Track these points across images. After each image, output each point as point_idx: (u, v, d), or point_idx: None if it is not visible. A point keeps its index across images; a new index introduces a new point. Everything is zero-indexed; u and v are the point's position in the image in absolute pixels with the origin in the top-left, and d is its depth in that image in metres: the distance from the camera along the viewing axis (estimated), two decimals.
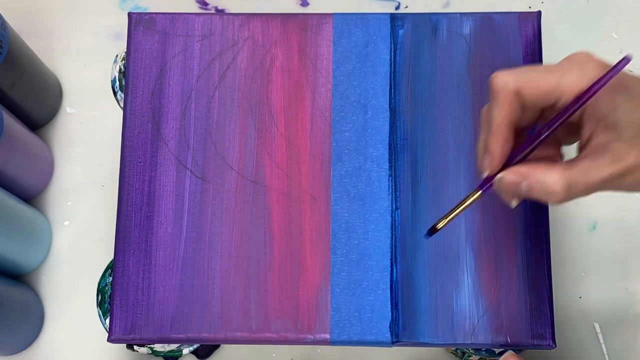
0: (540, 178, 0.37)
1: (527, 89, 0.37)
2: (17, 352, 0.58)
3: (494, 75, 0.38)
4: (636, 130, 0.37)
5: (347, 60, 0.49)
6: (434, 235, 0.42)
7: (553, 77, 0.37)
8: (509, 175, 0.39)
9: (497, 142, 0.38)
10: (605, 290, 0.58)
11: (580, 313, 0.58)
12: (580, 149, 0.39)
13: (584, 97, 0.36)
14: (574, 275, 0.58)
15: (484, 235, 0.47)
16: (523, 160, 0.39)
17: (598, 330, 0.57)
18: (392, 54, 0.49)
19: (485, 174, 0.40)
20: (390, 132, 0.48)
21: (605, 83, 0.36)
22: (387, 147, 0.48)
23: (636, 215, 0.59)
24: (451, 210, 0.41)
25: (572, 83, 0.37)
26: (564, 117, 0.37)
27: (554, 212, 0.59)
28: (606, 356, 0.57)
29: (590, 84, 0.36)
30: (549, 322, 0.46)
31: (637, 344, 0.57)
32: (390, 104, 0.49)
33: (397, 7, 0.64)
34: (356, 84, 0.49)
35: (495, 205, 0.47)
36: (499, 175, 0.39)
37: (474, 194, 0.40)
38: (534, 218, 0.47)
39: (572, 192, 0.37)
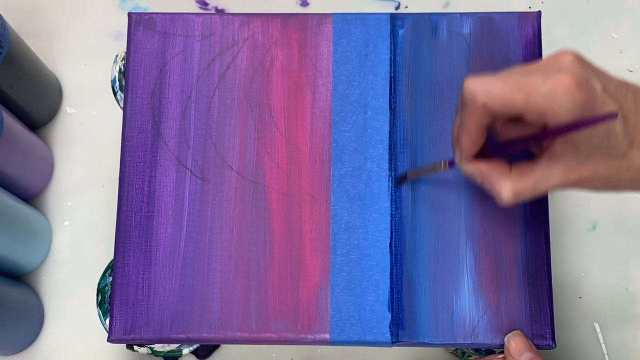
0: (492, 183, 0.41)
1: (494, 104, 0.38)
2: (17, 352, 0.58)
3: (465, 81, 0.39)
4: (592, 149, 0.39)
5: (347, 60, 0.49)
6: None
7: (519, 96, 0.38)
8: (469, 167, 0.42)
9: (467, 140, 0.41)
10: (605, 290, 0.58)
11: (580, 313, 0.58)
12: (541, 147, 0.41)
13: (553, 133, 0.38)
14: (574, 275, 0.58)
15: (484, 236, 0.47)
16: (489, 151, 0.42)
17: (598, 330, 0.57)
18: (392, 54, 0.49)
19: (456, 161, 0.43)
20: (390, 132, 0.48)
21: (580, 129, 0.37)
22: (387, 147, 0.48)
23: (636, 215, 0.59)
24: (424, 169, 0.46)
25: (537, 105, 0.37)
26: (525, 144, 0.40)
27: (554, 212, 0.59)
28: (606, 356, 0.57)
29: (556, 113, 0.37)
30: (549, 322, 0.46)
31: (637, 344, 0.57)
32: (390, 104, 0.49)
33: (397, 7, 0.64)
34: (356, 84, 0.49)
35: (495, 206, 0.47)
36: (462, 163, 0.43)
37: (445, 165, 0.45)
38: (534, 218, 0.47)
39: (519, 199, 0.41)
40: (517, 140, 0.40)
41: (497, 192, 0.41)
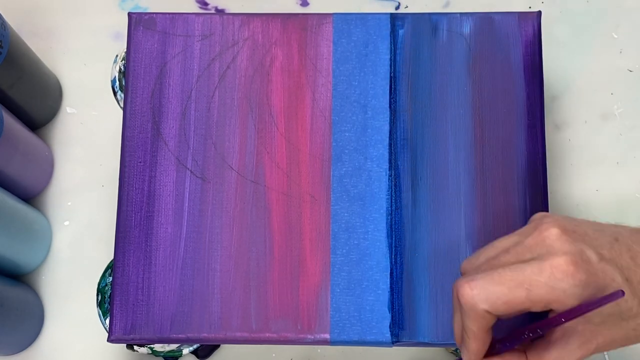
0: None
1: (496, 307, 0.37)
2: (17, 352, 0.58)
3: (459, 288, 0.37)
4: (604, 317, 0.37)
5: (347, 60, 0.49)
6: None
7: (521, 293, 0.36)
8: None
9: (475, 344, 0.39)
10: None
11: None
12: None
13: (559, 320, 0.36)
14: None
15: (484, 235, 0.47)
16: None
17: None
18: (392, 54, 0.49)
19: None
20: (390, 132, 0.48)
21: (588, 311, 0.35)
22: (387, 147, 0.48)
23: (636, 215, 0.59)
24: None
25: (541, 296, 0.36)
26: (535, 334, 0.38)
27: (554, 212, 0.59)
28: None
29: (561, 299, 0.36)
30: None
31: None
32: (390, 104, 0.49)
33: (397, 7, 0.64)
34: (356, 84, 0.49)
35: (495, 205, 0.47)
36: None
37: None
38: None
39: None
40: (526, 330, 0.38)
41: None
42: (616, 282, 0.37)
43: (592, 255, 0.37)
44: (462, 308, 0.38)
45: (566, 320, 0.36)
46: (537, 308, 0.37)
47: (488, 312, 0.37)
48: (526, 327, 0.38)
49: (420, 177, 0.48)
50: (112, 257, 0.49)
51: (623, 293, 0.34)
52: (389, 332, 0.46)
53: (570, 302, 0.36)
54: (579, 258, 0.36)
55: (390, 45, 0.50)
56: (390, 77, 0.49)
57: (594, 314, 0.37)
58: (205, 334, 0.46)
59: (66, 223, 0.60)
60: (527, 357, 0.39)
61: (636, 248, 0.38)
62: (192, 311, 0.46)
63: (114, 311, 0.46)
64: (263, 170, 0.48)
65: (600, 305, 0.35)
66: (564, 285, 0.35)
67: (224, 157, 0.48)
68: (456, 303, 0.39)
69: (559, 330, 0.38)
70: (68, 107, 0.63)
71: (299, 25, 0.50)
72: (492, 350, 0.40)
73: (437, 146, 0.48)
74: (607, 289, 0.36)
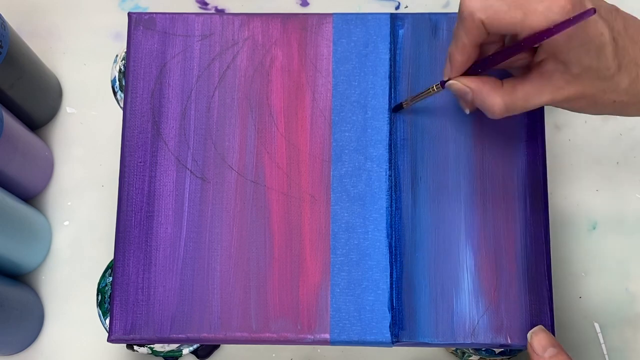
0: (483, 96, 0.42)
1: (492, 21, 0.39)
2: (17, 352, 0.58)
3: None
4: (582, 69, 0.40)
5: (347, 60, 0.49)
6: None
7: (518, 14, 0.38)
8: (458, 85, 0.43)
9: (460, 56, 0.42)
10: (605, 290, 0.58)
11: (580, 313, 0.58)
12: (529, 66, 0.42)
13: (541, 36, 0.38)
14: (574, 275, 0.58)
15: (484, 236, 0.47)
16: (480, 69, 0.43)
17: (598, 330, 0.57)
18: (392, 54, 0.49)
19: (445, 79, 0.43)
20: (390, 132, 0.48)
21: (564, 29, 0.37)
22: (387, 147, 0.48)
23: (636, 215, 0.59)
24: (418, 94, 0.46)
25: (534, 23, 0.38)
26: (518, 50, 0.40)
27: (554, 212, 0.59)
28: (606, 356, 0.57)
29: (551, 26, 0.38)
30: (549, 322, 0.46)
31: (637, 344, 0.57)
32: (390, 104, 0.49)
33: (397, 7, 0.64)
34: (356, 84, 0.49)
35: (495, 205, 0.47)
36: (450, 81, 0.43)
37: (438, 87, 0.45)
38: (534, 218, 0.47)
39: (510, 112, 0.42)
40: (506, 49, 0.41)
41: (488, 106, 0.42)
42: (604, 36, 0.39)
43: (590, 6, 0.38)
44: (461, 16, 0.40)
45: (547, 37, 0.38)
46: (525, 34, 0.39)
47: (483, 23, 0.39)
48: (510, 45, 0.40)
49: (420, 177, 0.48)
50: (112, 257, 0.49)
51: (595, 11, 0.36)
52: (389, 332, 0.46)
53: (559, 35, 0.38)
54: (577, 2, 0.38)
55: (390, 45, 0.50)
56: (390, 77, 0.49)
57: (574, 63, 0.40)
58: (205, 334, 0.46)
59: (66, 223, 0.61)
60: (502, 85, 0.42)
61: (631, 24, 0.41)
62: (192, 311, 0.46)
63: (114, 311, 0.46)
64: (263, 170, 0.48)
65: (574, 23, 0.37)
66: (557, 18, 0.38)
67: (224, 157, 0.48)
68: (457, 21, 0.41)
69: (536, 71, 0.41)
70: (68, 107, 0.63)
71: (299, 25, 0.50)
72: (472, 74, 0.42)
73: (437, 146, 0.48)
74: (594, 40, 0.39)
